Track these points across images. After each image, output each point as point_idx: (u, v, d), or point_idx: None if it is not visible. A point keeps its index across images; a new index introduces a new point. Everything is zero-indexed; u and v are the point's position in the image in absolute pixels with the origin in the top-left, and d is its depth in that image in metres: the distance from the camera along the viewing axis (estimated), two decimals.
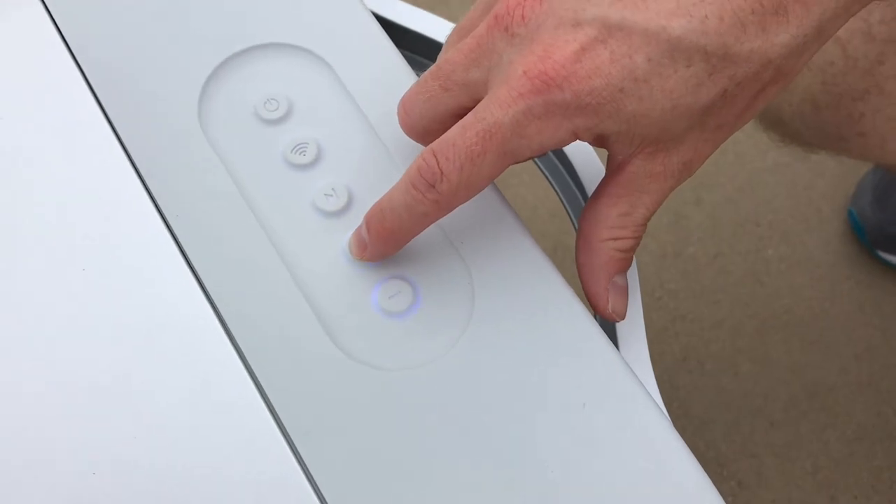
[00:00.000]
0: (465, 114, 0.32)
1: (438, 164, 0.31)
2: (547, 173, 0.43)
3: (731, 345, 0.90)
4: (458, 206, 0.32)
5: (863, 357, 0.90)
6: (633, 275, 0.37)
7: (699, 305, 0.92)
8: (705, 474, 0.31)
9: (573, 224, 0.40)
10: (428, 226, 0.32)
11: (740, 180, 0.97)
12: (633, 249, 0.33)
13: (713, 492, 0.30)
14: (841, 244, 0.95)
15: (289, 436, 0.30)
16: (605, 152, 0.33)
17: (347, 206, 0.35)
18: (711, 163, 0.96)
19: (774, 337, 0.91)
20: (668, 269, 0.92)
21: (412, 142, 0.35)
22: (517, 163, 0.31)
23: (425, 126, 0.33)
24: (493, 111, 0.30)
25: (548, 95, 0.29)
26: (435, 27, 0.41)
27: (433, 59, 0.42)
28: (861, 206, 0.92)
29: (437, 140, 0.31)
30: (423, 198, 0.31)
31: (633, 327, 0.36)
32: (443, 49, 0.36)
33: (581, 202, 0.41)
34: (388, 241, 0.33)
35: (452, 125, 0.32)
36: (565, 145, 0.31)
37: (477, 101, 0.32)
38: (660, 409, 0.31)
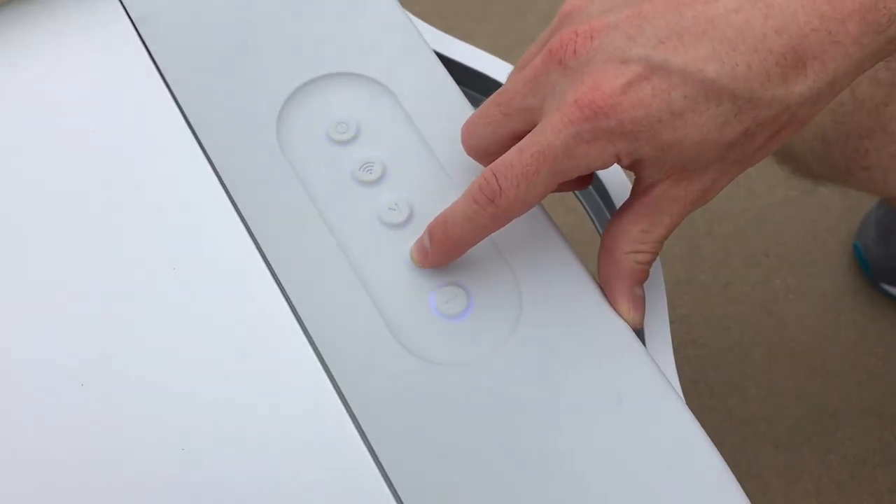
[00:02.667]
0: (521, 137, 0.36)
1: (498, 182, 0.35)
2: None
3: (739, 370, 0.93)
4: (513, 219, 0.36)
5: (865, 384, 0.93)
6: (660, 289, 0.41)
7: (709, 331, 0.95)
8: (726, 465, 0.34)
9: (597, 230, 0.44)
10: (485, 237, 0.36)
11: (751, 214, 1.00)
12: (650, 263, 0.37)
13: (730, 477, 0.34)
14: (845, 276, 0.98)
15: (357, 419, 0.34)
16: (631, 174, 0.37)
17: (409, 219, 0.39)
18: (724, 196, 1.00)
19: (781, 363, 0.94)
20: (681, 295, 0.95)
21: (467, 162, 0.39)
22: (565, 181, 0.36)
23: (486, 147, 0.37)
24: (547, 135, 0.34)
25: (595, 122, 0.33)
26: (486, 63, 0.45)
27: (483, 92, 0.46)
28: (865, 240, 0.95)
29: (496, 161, 0.35)
30: (483, 211, 0.35)
31: (660, 333, 0.40)
32: (506, 81, 0.40)
33: (606, 214, 0.45)
34: (448, 250, 0.37)
35: (509, 147, 0.36)
36: (608, 167, 0.35)
37: (532, 126, 0.36)
38: (685, 405, 0.35)
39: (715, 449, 0.34)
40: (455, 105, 0.41)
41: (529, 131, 0.36)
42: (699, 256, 0.98)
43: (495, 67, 0.46)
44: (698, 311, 0.95)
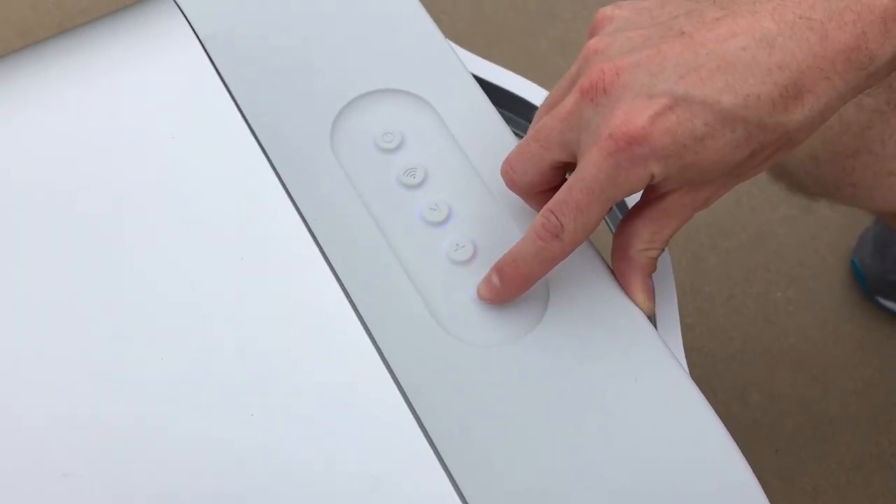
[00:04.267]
0: (561, 168, 0.41)
1: (557, 219, 0.39)
2: None
3: (741, 377, 0.97)
4: (577, 247, 0.40)
5: (862, 393, 0.96)
6: (669, 281, 0.45)
7: (713, 340, 0.99)
8: (726, 431, 0.39)
9: (610, 229, 0.49)
10: (551, 269, 0.41)
11: (753, 229, 1.04)
12: (657, 257, 0.42)
13: (730, 440, 0.39)
14: (843, 290, 1.01)
15: (405, 393, 0.39)
16: None
17: (447, 218, 0.44)
18: (728, 213, 1.04)
19: (781, 372, 0.97)
20: (686, 306, 0.99)
21: (498, 166, 0.44)
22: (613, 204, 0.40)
23: (529, 181, 0.41)
24: (591, 170, 0.38)
25: (631, 151, 0.37)
26: (514, 83, 0.50)
27: (507, 108, 0.51)
28: (862, 256, 0.98)
29: (550, 201, 0.39)
30: (549, 246, 0.39)
31: (671, 326, 0.45)
32: (535, 118, 0.44)
33: (618, 214, 0.50)
34: (519, 285, 0.41)
35: (550, 177, 0.41)
36: (644, 187, 0.39)
37: (570, 157, 0.40)
38: (692, 381, 0.40)
39: (718, 419, 0.39)
40: (486, 117, 0.46)
41: (568, 162, 0.40)
42: (704, 269, 1.02)
43: (521, 86, 0.51)
44: (703, 320, 0.99)
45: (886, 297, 0.98)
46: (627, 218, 0.42)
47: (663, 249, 0.42)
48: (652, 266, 0.42)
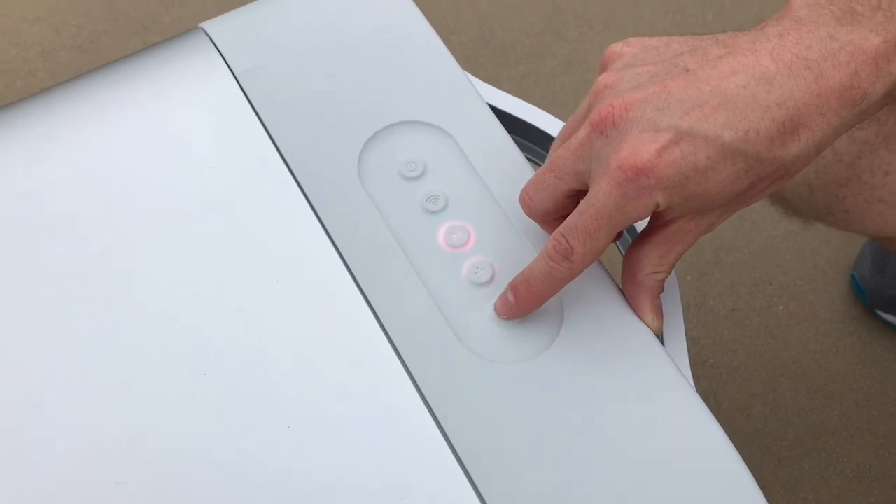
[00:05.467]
0: (575, 195, 0.43)
1: (568, 242, 0.42)
2: None
3: (744, 389, 0.99)
4: (585, 268, 0.42)
5: (862, 405, 0.98)
6: (676, 307, 0.48)
7: (717, 353, 1.01)
8: (730, 441, 0.42)
9: (620, 252, 0.52)
10: (561, 289, 0.43)
11: (756, 245, 1.06)
12: (665, 279, 0.45)
13: (733, 451, 0.41)
14: (843, 304, 1.03)
15: (429, 405, 0.41)
16: None
17: (467, 241, 0.46)
18: (731, 229, 1.06)
19: (783, 384, 0.99)
20: (691, 319, 1.01)
21: (515, 192, 0.46)
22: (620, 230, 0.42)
23: (545, 208, 0.44)
24: (600, 197, 0.40)
25: (638, 182, 0.40)
26: (526, 111, 0.53)
27: (521, 135, 0.54)
28: (862, 271, 1.00)
29: (561, 225, 0.42)
30: (559, 266, 0.42)
31: (678, 343, 0.48)
32: (551, 149, 0.46)
33: (628, 238, 0.52)
34: (531, 303, 0.43)
35: (564, 204, 0.43)
36: (649, 215, 0.42)
37: (583, 185, 0.42)
38: (698, 396, 0.43)
39: (722, 431, 0.42)
40: (502, 145, 0.49)
41: (580, 190, 0.43)
42: (708, 284, 1.04)
43: (533, 114, 0.54)
44: (707, 333, 1.02)
45: (886, 310, 1.00)
46: (636, 243, 0.45)
47: (670, 272, 0.45)
48: (660, 288, 0.45)
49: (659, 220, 0.44)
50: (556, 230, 0.42)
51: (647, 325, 0.44)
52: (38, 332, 0.43)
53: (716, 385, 0.99)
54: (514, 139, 0.50)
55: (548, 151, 0.53)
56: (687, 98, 0.40)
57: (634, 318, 0.44)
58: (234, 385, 0.42)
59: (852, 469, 0.96)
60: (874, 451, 0.97)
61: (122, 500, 0.39)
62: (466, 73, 0.51)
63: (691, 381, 0.44)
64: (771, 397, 0.99)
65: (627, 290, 0.45)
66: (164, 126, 0.49)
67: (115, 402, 0.41)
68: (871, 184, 0.53)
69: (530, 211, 0.45)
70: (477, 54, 1.18)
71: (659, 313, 0.45)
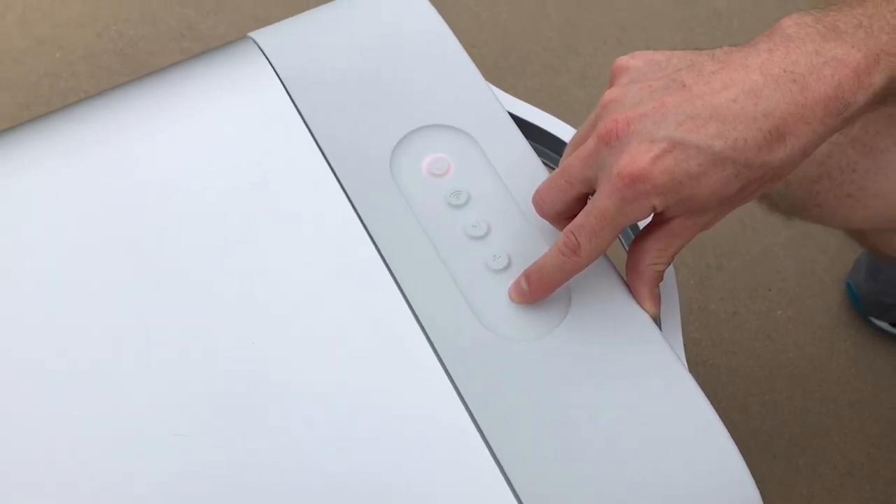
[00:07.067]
0: (583, 198, 0.48)
1: (577, 239, 0.47)
2: None
3: (743, 389, 1.02)
4: (592, 262, 0.48)
5: (854, 406, 1.02)
6: (673, 297, 0.53)
7: (717, 354, 1.05)
8: (717, 415, 0.47)
9: (623, 246, 0.57)
10: (570, 279, 0.48)
11: (756, 252, 1.10)
12: (664, 270, 0.49)
13: (718, 423, 0.47)
14: (839, 310, 1.06)
15: (452, 377, 0.47)
16: None
17: (487, 233, 0.52)
18: (733, 236, 1.10)
19: (780, 385, 1.03)
20: (693, 321, 1.05)
21: (530, 190, 0.52)
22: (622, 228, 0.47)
23: (557, 210, 0.49)
24: (604, 201, 0.45)
25: (635, 187, 0.44)
26: (541, 119, 0.59)
27: (537, 140, 0.59)
28: (857, 279, 1.04)
29: (571, 223, 0.47)
30: (569, 260, 0.47)
31: (674, 327, 0.53)
32: (563, 156, 0.51)
33: (630, 234, 0.58)
34: (543, 290, 0.49)
35: (574, 206, 0.48)
36: (648, 216, 0.47)
37: (591, 189, 0.47)
38: (691, 376, 0.48)
39: (710, 405, 0.47)
40: (520, 149, 0.54)
41: (588, 193, 0.48)
42: (710, 288, 1.08)
43: (547, 122, 0.59)
44: (709, 335, 1.05)
45: (879, 317, 1.04)
46: (639, 237, 0.50)
47: (669, 264, 0.50)
48: (659, 277, 0.50)
49: (660, 218, 0.48)
50: (567, 228, 0.47)
51: (646, 311, 0.49)
52: (125, 297, 0.49)
53: (715, 384, 1.03)
54: (529, 143, 0.55)
55: (559, 156, 0.59)
56: (681, 112, 0.44)
57: (634, 305, 0.50)
58: (280, 352, 0.48)
59: (844, 466, 1.00)
60: (865, 449, 1.01)
61: (195, 452, 0.45)
62: (488, 83, 0.57)
63: (684, 361, 0.50)
64: (768, 397, 1.03)
65: (630, 278, 0.50)
66: (220, 123, 0.54)
67: (186, 359, 0.47)
68: (839, 180, 0.57)
69: (542, 212, 0.50)
70: (496, 66, 1.23)
71: (657, 301, 0.50)
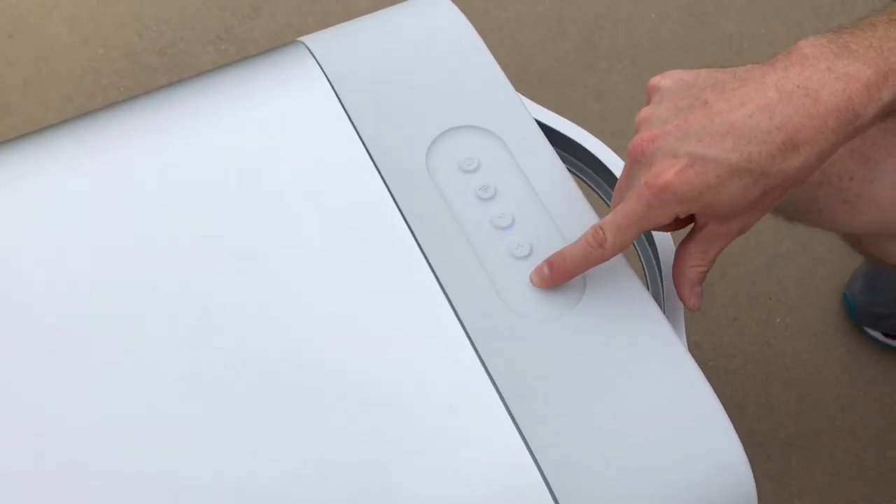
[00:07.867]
0: None
1: (604, 233, 0.52)
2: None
3: (741, 391, 1.07)
4: (613, 256, 0.53)
5: (846, 410, 1.06)
6: (678, 302, 0.59)
7: (718, 357, 1.09)
8: (714, 394, 0.53)
9: (636, 249, 0.63)
10: (589, 269, 0.53)
11: (758, 262, 1.14)
12: (706, 272, 0.55)
13: (715, 400, 0.52)
14: (836, 319, 1.11)
15: (478, 350, 0.53)
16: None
17: (511, 224, 0.58)
18: (737, 246, 1.13)
19: (777, 388, 1.07)
20: (696, 326, 1.10)
21: (551, 187, 0.57)
22: (646, 231, 0.53)
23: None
24: (632, 204, 0.51)
25: (661, 196, 0.49)
26: (564, 126, 0.65)
27: (557, 144, 0.65)
28: (853, 290, 1.08)
29: (601, 220, 0.52)
30: (594, 251, 0.52)
31: (677, 311, 0.59)
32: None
33: (647, 246, 0.63)
34: (564, 276, 0.54)
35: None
36: (671, 221, 0.52)
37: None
38: (693, 359, 0.53)
39: (703, 376, 0.53)
40: (543, 150, 0.60)
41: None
42: (713, 294, 1.12)
43: (568, 128, 0.65)
44: (710, 339, 1.10)
45: (872, 327, 1.09)
46: (682, 243, 0.55)
47: (710, 266, 0.55)
48: (701, 278, 0.55)
49: (696, 225, 0.54)
50: (596, 224, 0.53)
51: (687, 307, 0.55)
52: (171, 275, 0.55)
53: (715, 385, 1.04)
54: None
55: (576, 158, 0.65)
56: (701, 128, 0.49)
57: (643, 292, 0.55)
58: (324, 325, 0.53)
59: (835, 467, 1.04)
60: (855, 451, 1.05)
61: (245, 412, 0.51)
62: (518, 92, 0.62)
63: (685, 342, 0.55)
64: (764, 399, 1.07)
65: (675, 279, 0.55)
66: (273, 120, 0.60)
67: (235, 328, 0.53)
68: (838, 187, 0.62)
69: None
70: (516, 79, 1.27)
71: (698, 298, 0.55)
